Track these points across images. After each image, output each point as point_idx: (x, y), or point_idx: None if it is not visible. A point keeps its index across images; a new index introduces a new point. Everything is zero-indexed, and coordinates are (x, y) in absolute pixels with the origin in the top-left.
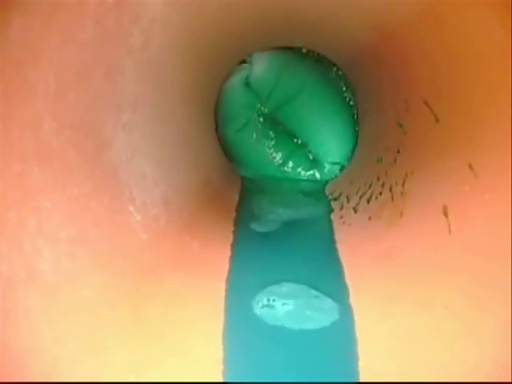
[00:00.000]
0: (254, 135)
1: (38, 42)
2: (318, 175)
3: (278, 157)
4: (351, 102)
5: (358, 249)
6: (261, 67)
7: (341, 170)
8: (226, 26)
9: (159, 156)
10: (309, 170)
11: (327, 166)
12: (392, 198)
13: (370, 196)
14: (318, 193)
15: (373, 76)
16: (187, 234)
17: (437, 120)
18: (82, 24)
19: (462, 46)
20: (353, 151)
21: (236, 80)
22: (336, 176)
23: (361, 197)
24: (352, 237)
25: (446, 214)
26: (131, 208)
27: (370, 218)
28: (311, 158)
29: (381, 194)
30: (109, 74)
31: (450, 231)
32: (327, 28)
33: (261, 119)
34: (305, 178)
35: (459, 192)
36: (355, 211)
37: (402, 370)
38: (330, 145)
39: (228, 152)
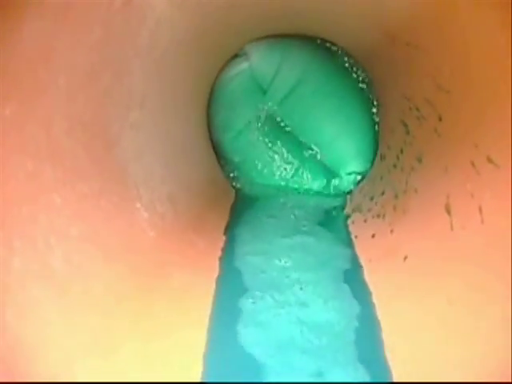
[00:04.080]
0: (256, 139)
1: (49, 44)
2: (332, 187)
3: (284, 165)
4: (370, 96)
5: (362, 246)
6: (260, 56)
7: (360, 180)
8: (229, 23)
9: (166, 154)
10: (322, 181)
11: (344, 176)
12: (396, 196)
13: (373, 193)
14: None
15: (374, 73)
16: (193, 231)
17: (440, 119)
18: (91, 26)
19: (464, 47)
20: (374, 156)
21: (233, 74)
22: (354, 187)
23: (364, 195)
24: (357, 234)
25: (448, 212)
26: (138, 205)
27: (373, 216)
28: (324, 166)
29: (383, 193)
30: (117, 73)
31: (452, 228)
32: (328, 26)
33: (263, 119)
34: (316, 190)
35: (461, 190)
36: (359, 209)
37: (406, 367)
38: (347, 149)
39: (224, 160)
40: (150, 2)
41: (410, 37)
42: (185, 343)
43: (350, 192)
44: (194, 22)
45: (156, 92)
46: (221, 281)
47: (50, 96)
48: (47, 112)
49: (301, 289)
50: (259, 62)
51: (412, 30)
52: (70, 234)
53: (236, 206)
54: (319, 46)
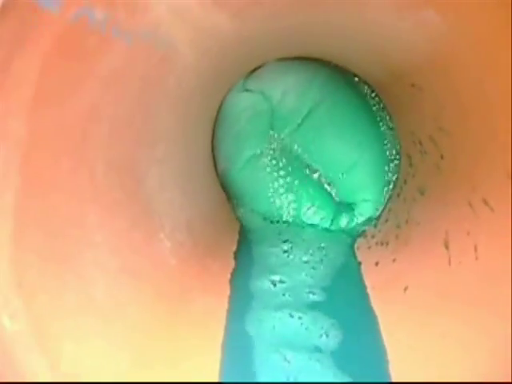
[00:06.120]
0: (260, 168)
1: (96, 102)
2: (344, 224)
3: (290, 198)
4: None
5: (366, 274)
6: (271, 77)
7: (374, 219)
8: (248, 52)
9: (186, 183)
10: (334, 217)
11: (356, 213)
12: (398, 226)
13: (377, 221)
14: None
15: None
16: (208, 256)
17: (441, 157)
18: (131, 81)
19: (468, 89)
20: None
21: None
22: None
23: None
24: (362, 260)
25: (446, 247)
26: (162, 236)
27: (376, 243)
28: (335, 200)
29: (387, 220)
30: (148, 116)
31: (450, 263)
32: (341, 52)
33: (271, 146)
34: (326, 227)
35: (459, 227)
36: (364, 235)
37: None
38: (362, 182)
39: (229, 192)
40: (179, 54)
41: (415, 79)
42: (208, 367)
43: (361, 234)
44: (216, 65)
45: (178, 127)
46: None
47: (95, 147)
48: (92, 160)
49: None
50: (269, 83)
51: (417, 72)
52: (109, 268)
53: (241, 233)
54: (337, 70)
